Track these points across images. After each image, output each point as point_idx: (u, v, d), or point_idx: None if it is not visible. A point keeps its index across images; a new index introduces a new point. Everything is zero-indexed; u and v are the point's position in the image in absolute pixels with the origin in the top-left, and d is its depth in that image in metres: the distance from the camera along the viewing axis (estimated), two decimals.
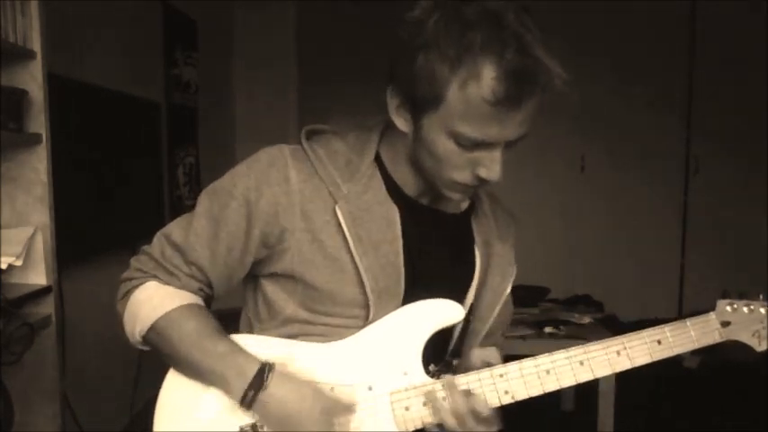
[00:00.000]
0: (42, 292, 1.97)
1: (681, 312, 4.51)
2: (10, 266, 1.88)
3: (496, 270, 1.21)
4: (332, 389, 1.06)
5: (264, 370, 1.03)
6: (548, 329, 2.87)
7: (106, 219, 2.69)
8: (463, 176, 1.04)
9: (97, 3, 2.74)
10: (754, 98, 4.42)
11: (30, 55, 1.93)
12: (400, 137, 1.09)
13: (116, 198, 2.83)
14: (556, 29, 4.76)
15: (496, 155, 1.01)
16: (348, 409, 1.06)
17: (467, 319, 1.16)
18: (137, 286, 1.12)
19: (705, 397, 3.59)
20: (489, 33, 0.93)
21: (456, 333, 1.19)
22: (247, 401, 1.03)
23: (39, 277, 1.98)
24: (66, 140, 2.28)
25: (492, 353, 1.27)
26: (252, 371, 1.03)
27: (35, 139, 1.97)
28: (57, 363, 2.00)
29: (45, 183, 1.97)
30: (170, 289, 1.11)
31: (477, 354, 1.18)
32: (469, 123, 0.97)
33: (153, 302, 1.10)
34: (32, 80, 1.95)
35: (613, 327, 2.83)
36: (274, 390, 1.03)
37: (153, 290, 1.11)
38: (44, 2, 1.95)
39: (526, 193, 4.58)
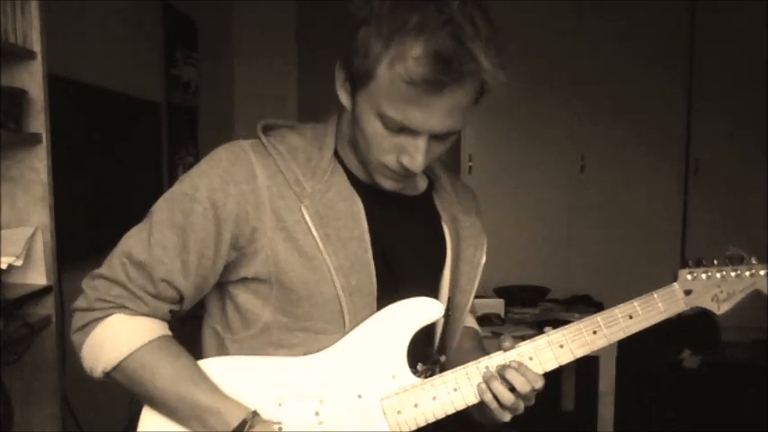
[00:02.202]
0: (42, 292, 1.96)
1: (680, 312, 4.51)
2: (10, 266, 1.88)
3: (468, 242, 1.21)
4: (321, 401, 1.04)
5: (246, 422, 0.99)
6: (548, 329, 2.86)
7: (106, 219, 2.69)
8: (389, 161, 1.03)
9: (97, 3, 2.74)
10: (754, 98, 4.42)
11: (30, 55, 1.93)
12: (345, 122, 1.09)
13: (116, 198, 2.83)
14: (556, 31, 4.73)
15: (420, 144, 0.99)
16: None
17: (447, 308, 1.16)
18: (99, 319, 1.04)
19: (705, 397, 3.59)
20: (426, 16, 0.92)
21: (438, 330, 1.18)
22: None
23: (39, 277, 1.98)
24: (66, 140, 2.28)
25: (470, 319, 1.31)
26: (235, 420, 0.99)
27: (35, 139, 1.96)
28: (57, 363, 1.99)
29: (45, 183, 1.97)
30: (136, 323, 1.04)
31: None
32: (393, 104, 0.96)
33: (118, 340, 1.02)
34: (32, 80, 1.94)
35: None
36: None
37: (118, 326, 1.03)
38: (44, 2, 1.95)
39: (526, 194, 4.59)
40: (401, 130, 0.99)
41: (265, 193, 1.03)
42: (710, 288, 1.16)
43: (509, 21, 4.33)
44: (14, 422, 1.88)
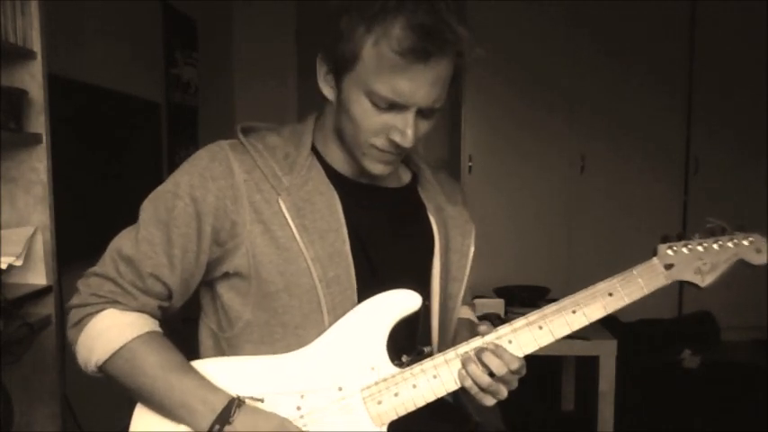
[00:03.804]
0: (42, 292, 1.97)
1: (681, 312, 4.51)
2: (10, 266, 1.88)
3: (455, 231, 1.24)
4: (302, 396, 1.06)
5: (232, 405, 1.02)
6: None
7: (106, 219, 2.69)
8: (379, 141, 1.07)
9: (97, 3, 2.74)
10: (754, 98, 4.42)
11: (30, 55, 1.93)
12: (329, 115, 1.13)
13: (116, 198, 2.83)
14: (556, 30, 4.71)
15: (409, 118, 1.04)
16: None
17: (425, 300, 1.16)
18: (92, 314, 1.08)
19: (705, 397, 3.59)
20: None
21: (422, 321, 1.18)
22: None
23: (39, 277, 1.98)
24: (67, 140, 2.28)
25: (467, 311, 1.34)
26: (220, 405, 1.02)
27: (35, 139, 1.97)
28: (57, 363, 2.00)
29: (45, 183, 1.97)
30: (128, 318, 1.07)
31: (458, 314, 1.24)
32: (381, 80, 1.01)
33: (111, 333, 1.06)
34: (32, 80, 1.95)
35: (613, 326, 2.83)
36: (239, 425, 1.01)
37: (110, 320, 1.07)
38: (44, 2, 1.95)
39: (526, 194, 4.58)
40: (390, 106, 1.03)
41: (243, 187, 1.07)
42: (692, 261, 1.15)
43: (509, 21, 4.35)
44: (14, 422, 1.88)
